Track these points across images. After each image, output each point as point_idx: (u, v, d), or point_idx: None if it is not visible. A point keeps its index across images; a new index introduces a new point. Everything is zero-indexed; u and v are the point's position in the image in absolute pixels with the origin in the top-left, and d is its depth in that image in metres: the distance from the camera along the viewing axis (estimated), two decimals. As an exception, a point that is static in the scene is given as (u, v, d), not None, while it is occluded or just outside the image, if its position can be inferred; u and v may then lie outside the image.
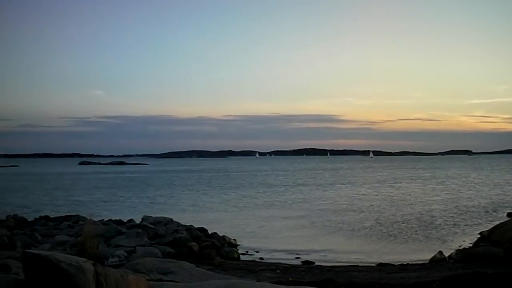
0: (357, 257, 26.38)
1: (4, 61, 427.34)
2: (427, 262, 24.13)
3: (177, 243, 26.90)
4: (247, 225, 38.83)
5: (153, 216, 36.07)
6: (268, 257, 26.65)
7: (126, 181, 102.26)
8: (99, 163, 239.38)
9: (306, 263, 24.60)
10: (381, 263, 23.84)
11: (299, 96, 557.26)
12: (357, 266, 23.39)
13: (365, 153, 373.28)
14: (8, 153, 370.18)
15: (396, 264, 23.67)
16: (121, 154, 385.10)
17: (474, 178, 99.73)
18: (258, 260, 25.88)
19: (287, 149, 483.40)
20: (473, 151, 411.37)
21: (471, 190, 69.20)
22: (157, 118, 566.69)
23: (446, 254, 24.72)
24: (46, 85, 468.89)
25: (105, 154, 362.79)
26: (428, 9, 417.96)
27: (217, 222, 38.96)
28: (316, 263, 24.45)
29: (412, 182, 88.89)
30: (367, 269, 22.35)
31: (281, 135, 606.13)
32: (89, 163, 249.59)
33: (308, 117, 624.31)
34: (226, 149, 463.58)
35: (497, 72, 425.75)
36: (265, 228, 37.35)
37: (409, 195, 62.65)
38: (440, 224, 37.38)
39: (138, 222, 34.20)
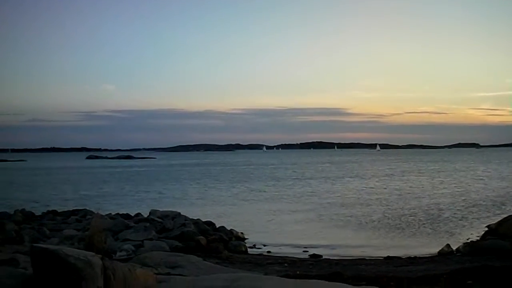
0: (365, 250, 26.38)
1: (13, 56, 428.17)
2: (435, 255, 24.13)
3: (185, 237, 26.94)
4: (255, 218, 38.80)
5: (161, 210, 36.10)
6: (276, 250, 26.65)
7: (133, 175, 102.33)
8: (106, 157, 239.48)
9: (314, 256, 24.59)
10: (388, 256, 23.82)
11: (306, 89, 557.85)
12: (365, 259, 23.41)
13: (372, 146, 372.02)
14: (16, 148, 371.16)
15: (404, 257, 23.66)
16: (128, 148, 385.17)
17: (482, 171, 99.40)
18: (266, 253, 25.91)
19: (294, 143, 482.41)
20: (481, 144, 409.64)
21: (479, 183, 69.02)
22: (164, 112, 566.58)
23: (454, 247, 24.70)
24: (54, 79, 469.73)
25: (113, 148, 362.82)
26: (436, 2, 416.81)
27: (225, 216, 38.97)
28: (324, 257, 24.44)
29: (419, 175, 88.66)
30: (375, 262, 22.36)
31: (288, 129, 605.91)
32: (97, 157, 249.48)
33: (315, 110, 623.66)
34: (234, 143, 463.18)
35: (505, 65, 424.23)
36: (273, 221, 37.34)
37: (417, 188, 62.57)
38: (447, 217, 37.31)
39: (145, 216, 34.25)
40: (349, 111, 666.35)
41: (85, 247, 12.93)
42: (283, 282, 9.95)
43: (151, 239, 25.91)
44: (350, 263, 22.12)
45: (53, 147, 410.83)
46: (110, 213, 35.44)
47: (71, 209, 40.05)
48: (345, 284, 10.63)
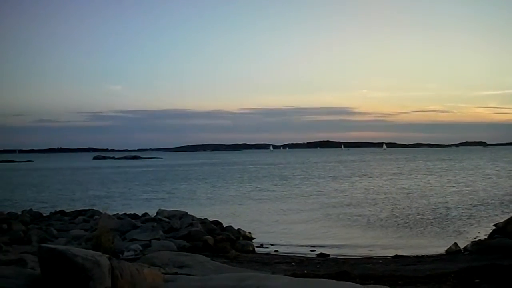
0: (372, 249, 26.34)
1: (20, 57, 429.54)
2: (443, 254, 24.06)
3: (192, 237, 26.96)
4: (263, 218, 38.78)
5: (168, 209, 36.13)
6: (283, 250, 26.61)
7: (141, 175, 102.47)
8: (113, 158, 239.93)
9: (321, 255, 24.54)
10: (396, 255, 23.76)
11: (313, 88, 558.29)
12: (372, 258, 23.36)
13: (379, 145, 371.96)
14: (24, 148, 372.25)
15: (411, 256, 23.60)
16: (135, 148, 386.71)
17: (489, 169, 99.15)
18: (273, 253, 25.87)
19: (301, 142, 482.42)
20: (488, 142, 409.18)
21: (487, 181, 68.81)
22: (171, 112, 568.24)
23: (462, 246, 24.61)
24: (61, 80, 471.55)
25: (120, 149, 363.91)
26: (444, 1, 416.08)
27: (232, 215, 38.99)
28: (331, 256, 24.39)
29: (427, 174, 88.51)
30: (382, 261, 22.32)
31: (295, 128, 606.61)
32: (104, 157, 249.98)
33: (322, 109, 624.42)
34: (241, 142, 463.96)
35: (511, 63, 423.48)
36: (280, 221, 37.31)
37: (425, 187, 62.42)
38: (455, 216, 37.21)
39: (153, 216, 34.25)
40: (356, 110, 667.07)
41: (93, 247, 12.99)
42: (290, 281, 9.95)
43: (158, 239, 25.93)
44: (357, 262, 22.09)
45: (60, 148, 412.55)
46: (118, 213, 35.47)
47: (78, 209, 40.12)
48: (352, 283, 10.63)
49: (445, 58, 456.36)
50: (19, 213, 36.71)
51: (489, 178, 75.33)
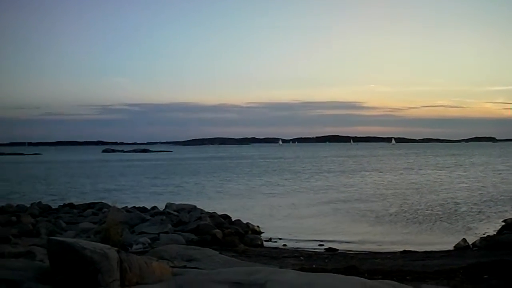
0: (381, 244, 26.30)
1: (28, 49, 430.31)
2: (451, 249, 24.00)
3: (201, 230, 26.99)
4: (271, 212, 38.82)
5: (177, 203, 36.15)
6: (292, 244, 26.61)
7: (150, 168, 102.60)
8: (122, 151, 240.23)
9: (330, 250, 24.52)
10: (405, 250, 23.71)
11: (322, 83, 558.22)
12: (381, 253, 23.32)
13: (388, 140, 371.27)
14: (32, 141, 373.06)
15: (420, 251, 23.54)
16: (144, 142, 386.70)
17: (499, 165, 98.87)
18: (282, 247, 25.88)
19: (310, 136, 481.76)
20: (497, 138, 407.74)
21: (496, 177, 68.61)
22: (180, 106, 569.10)
23: (470, 242, 24.53)
24: (69, 73, 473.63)
25: (129, 142, 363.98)
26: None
27: (241, 209, 38.96)
28: (340, 250, 24.39)
29: (436, 169, 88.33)
30: (391, 256, 22.27)
31: (304, 122, 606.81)
32: (113, 150, 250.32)
33: (331, 104, 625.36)
34: (249, 136, 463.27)
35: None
36: (289, 215, 37.32)
37: (434, 182, 62.34)
38: (464, 212, 37.14)
39: (161, 209, 34.28)
40: (365, 104, 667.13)
41: (102, 240, 13.00)
42: (299, 276, 9.94)
43: (167, 232, 25.97)
44: (366, 256, 22.07)
45: (69, 141, 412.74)
46: (126, 206, 35.52)
47: (87, 202, 40.15)
48: (361, 278, 10.60)
49: (454, 53, 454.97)
50: (28, 205, 36.83)
51: (499, 174, 75.07)
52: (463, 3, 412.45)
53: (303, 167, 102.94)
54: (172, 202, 36.74)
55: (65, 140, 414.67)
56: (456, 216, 35.14)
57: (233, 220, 31.55)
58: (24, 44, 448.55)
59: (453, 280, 14.45)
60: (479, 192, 49.59)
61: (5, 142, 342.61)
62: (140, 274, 9.11)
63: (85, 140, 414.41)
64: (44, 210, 36.30)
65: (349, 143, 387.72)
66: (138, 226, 27.63)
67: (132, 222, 28.59)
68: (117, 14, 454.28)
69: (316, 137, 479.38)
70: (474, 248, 23.75)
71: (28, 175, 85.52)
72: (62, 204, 40.08)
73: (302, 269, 14.28)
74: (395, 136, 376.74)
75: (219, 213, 32.93)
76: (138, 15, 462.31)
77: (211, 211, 33.08)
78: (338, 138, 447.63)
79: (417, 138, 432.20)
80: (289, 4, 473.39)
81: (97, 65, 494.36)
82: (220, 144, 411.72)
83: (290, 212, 38.50)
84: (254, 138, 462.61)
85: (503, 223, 29.06)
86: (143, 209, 34.95)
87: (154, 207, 35.74)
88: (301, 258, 21.61)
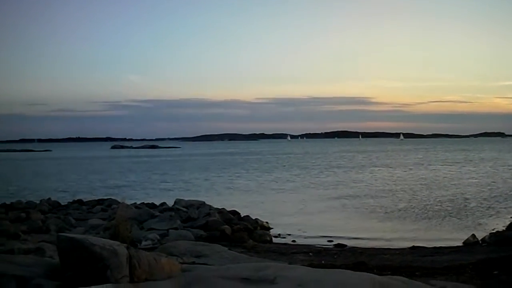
0: (390, 240, 26.27)
1: (37, 46, 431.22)
2: (460, 245, 23.95)
3: (210, 226, 27.00)
4: (280, 208, 38.78)
5: (186, 199, 36.16)
6: (301, 240, 26.61)
7: (159, 165, 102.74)
8: (131, 147, 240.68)
9: (339, 246, 24.53)
10: (414, 246, 23.69)
11: (331, 78, 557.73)
12: (390, 249, 23.29)
13: (397, 135, 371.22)
14: (42, 138, 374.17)
15: (429, 247, 23.51)
16: (153, 138, 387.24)
17: (509, 160, 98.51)
18: (291, 243, 25.89)
19: (319, 132, 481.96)
20: (506, 133, 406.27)
21: (506, 172, 68.40)
22: (189, 102, 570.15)
23: (480, 237, 24.48)
24: (79, 70, 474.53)
25: (138, 138, 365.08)
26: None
27: (250, 205, 38.97)
28: (349, 246, 24.39)
29: (445, 165, 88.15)
30: (400, 251, 22.26)
31: (312, 118, 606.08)
32: (122, 147, 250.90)
33: (340, 99, 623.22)
34: (258, 132, 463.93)
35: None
36: (298, 211, 37.33)
37: (443, 177, 62.21)
38: (474, 207, 37.05)
39: (170, 205, 34.32)
40: (374, 100, 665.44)
41: (111, 237, 13.00)
42: (308, 271, 9.95)
43: (176, 229, 25.99)
44: (375, 252, 22.06)
45: (78, 137, 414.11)
46: (135, 203, 35.62)
47: (96, 199, 40.29)
48: (370, 274, 10.61)
49: (463, 49, 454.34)
50: (38, 202, 36.94)
51: (510, 169, 74.78)
52: (473, 0, 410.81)
53: (312, 162, 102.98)
54: (181, 198, 36.76)
55: (75, 136, 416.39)
56: (465, 212, 35.07)
57: (242, 216, 31.52)
58: (34, 41, 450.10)
59: (463, 276, 14.43)
60: (489, 187, 49.47)
61: (15, 139, 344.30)
62: (149, 270, 9.12)
63: (94, 137, 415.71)
64: (53, 206, 36.40)
65: (357, 139, 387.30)
66: (147, 222, 27.66)
67: (141, 218, 28.61)
68: (127, 11, 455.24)
69: (325, 132, 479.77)
70: (484, 244, 23.71)
71: (38, 171, 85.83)
72: (71, 201, 40.20)
73: (311, 265, 14.31)
74: (404, 132, 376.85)
75: (228, 209, 32.92)
76: (147, 12, 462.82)
77: (220, 207, 33.06)
78: (347, 134, 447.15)
79: (425, 134, 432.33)
80: (298, 1, 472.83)
81: (106, 62, 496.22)
82: (229, 140, 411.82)
83: (299, 208, 38.47)
84: (262, 134, 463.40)
85: (513, 219, 29.01)
86: (152, 205, 35.00)
87: (163, 203, 35.77)
88: (310, 254, 21.62)
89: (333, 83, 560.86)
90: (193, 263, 12.73)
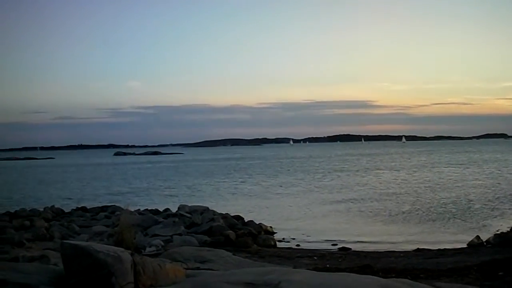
0: (394, 242, 26.26)
1: (39, 53, 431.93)
2: (465, 247, 23.93)
3: (214, 232, 27.01)
4: (284, 212, 38.80)
5: (189, 205, 36.19)
6: (305, 244, 26.58)
7: (162, 171, 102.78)
8: (134, 154, 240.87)
9: (343, 249, 24.50)
10: (418, 248, 23.68)
11: (332, 82, 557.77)
12: (394, 251, 23.29)
13: (399, 138, 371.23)
14: (44, 146, 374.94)
15: (434, 249, 23.49)
16: (155, 144, 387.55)
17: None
18: (295, 247, 25.88)
19: (322, 136, 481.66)
20: (509, 135, 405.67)
21: (510, 173, 68.33)
22: (191, 107, 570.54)
23: (484, 239, 24.45)
24: (80, 77, 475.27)
25: (140, 144, 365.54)
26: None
27: (254, 210, 39.06)
28: (353, 250, 24.38)
29: (449, 167, 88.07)
30: (404, 254, 22.25)
31: (315, 122, 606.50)
32: (124, 153, 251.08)
33: (342, 103, 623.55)
34: (260, 137, 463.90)
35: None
36: (302, 215, 37.32)
37: (447, 179, 62.15)
38: (478, 208, 36.99)
39: (174, 211, 34.35)
40: (376, 103, 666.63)
41: (115, 243, 13.03)
42: (312, 275, 9.94)
43: (180, 234, 26.00)
44: (379, 255, 22.03)
45: (81, 144, 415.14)
46: (139, 209, 35.67)
47: (100, 206, 40.36)
48: (375, 277, 10.59)
49: (464, 51, 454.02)
50: (42, 209, 36.97)
51: (513, 170, 74.73)
52: (476, 2, 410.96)
53: (316, 166, 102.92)
54: (185, 204, 36.81)
55: (77, 143, 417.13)
56: (469, 213, 35.04)
57: (246, 221, 31.55)
58: (35, 48, 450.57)
59: (467, 278, 14.41)
60: (493, 188, 49.40)
61: (17, 147, 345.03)
62: (154, 276, 9.12)
63: (97, 144, 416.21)
64: (57, 214, 36.44)
65: (360, 142, 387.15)
66: (151, 229, 27.68)
67: (145, 224, 28.64)
68: (128, 18, 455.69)
69: (328, 136, 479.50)
70: (488, 245, 23.69)
71: (41, 179, 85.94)
72: (75, 208, 40.22)
73: (316, 269, 14.29)
74: (406, 134, 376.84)
75: (232, 214, 32.96)
76: (148, 18, 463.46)
77: (224, 212, 33.09)
78: (349, 137, 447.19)
79: (428, 136, 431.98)
80: (300, 4, 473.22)
81: (108, 69, 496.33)
82: (232, 145, 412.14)
83: (303, 212, 38.46)
84: (265, 138, 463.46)
85: (517, 220, 28.97)
86: (156, 211, 35.07)
87: (167, 209, 35.85)
88: (315, 257, 21.60)
89: (335, 87, 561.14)
90: (198, 268, 12.71)
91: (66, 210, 38.68)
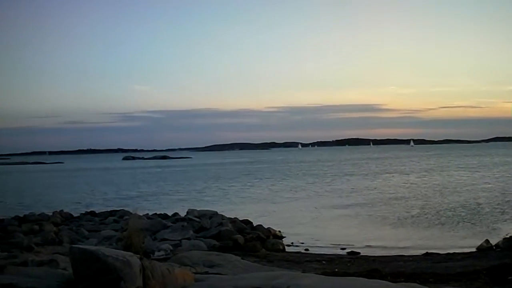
0: (403, 247, 26.19)
1: (49, 58, 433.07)
2: (474, 251, 23.85)
3: (222, 236, 27.03)
4: (293, 216, 38.73)
5: (198, 209, 36.17)
6: (314, 248, 26.56)
7: (171, 175, 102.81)
8: (142, 158, 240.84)
9: (352, 253, 24.48)
10: (427, 253, 23.61)
11: (341, 85, 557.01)
12: (403, 256, 23.22)
13: (407, 142, 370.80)
14: (53, 150, 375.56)
15: (443, 253, 23.42)
16: (164, 148, 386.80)
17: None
18: (304, 251, 25.85)
19: (330, 140, 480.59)
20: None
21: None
22: (199, 112, 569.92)
23: (493, 243, 24.38)
24: (89, 81, 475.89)
25: (149, 149, 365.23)
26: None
27: (263, 214, 39.06)
28: (362, 254, 24.34)
29: (458, 170, 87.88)
30: (413, 258, 22.19)
31: (323, 126, 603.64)
32: (133, 158, 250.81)
33: (350, 107, 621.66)
34: (269, 141, 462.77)
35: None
36: (311, 219, 37.28)
37: (456, 183, 61.99)
38: (487, 212, 36.89)
39: (183, 215, 34.34)
40: (384, 107, 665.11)
41: (124, 248, 13.02)
42: (321, 280, 9.93)
43: (188, 239, 26.02)
44: (388, 259, 21.99)
45: (90, 149, 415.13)
46: (148, 213, 35.64)
47: (109, 210, 40.39)
48: (383, 281, 10.58)
49: (472, 54, 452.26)
50: (51, 214, 37.04)
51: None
52: (480, 3, 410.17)
53: (325, 170, 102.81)
54: (193, 208, 36.74)
55: (86, 148, 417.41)
56: (478, 217, 34.94)
57: (254, 225, 31.53)
58: (44, 53, 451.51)
59: (477, 282, 14.39)
60: (502, 192, 49.24)
61: (27, 151, 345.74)
62: (163, 281, 9.13)
63: (106, 148, 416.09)
64: (66, 218, 36.53)
65: (368, 146, 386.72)
66: (159, 233, 27.71)
67: (154, 228, 28.67)
68: (136, 22, 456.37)
69: (336, 140, 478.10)
70: (497, 249, 23.59)
71: (50, 183, 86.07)
72: (84, 212, 40.31)
73: (324, 273, 14.28)
74: (414, 138, 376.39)
75: (241, 218, 32.96)
76: (157, 23, 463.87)
77: (232, 217, 33.10)
78: (358, 141, 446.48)
79: (436, 140, 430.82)
80: (307, 7, 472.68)
81: (117, 73, 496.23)
82: (240, 149, 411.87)
83: (312, 216, 38.41)
84: (273, 142, 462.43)
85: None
86: (165, 216, 35.06)
87: (176, 214, 35.82)
88: (323, 262, 21.57)
89: (343, 90, 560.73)
90: (206, 273, 12.72)
91: (75, 215, 38.74)
